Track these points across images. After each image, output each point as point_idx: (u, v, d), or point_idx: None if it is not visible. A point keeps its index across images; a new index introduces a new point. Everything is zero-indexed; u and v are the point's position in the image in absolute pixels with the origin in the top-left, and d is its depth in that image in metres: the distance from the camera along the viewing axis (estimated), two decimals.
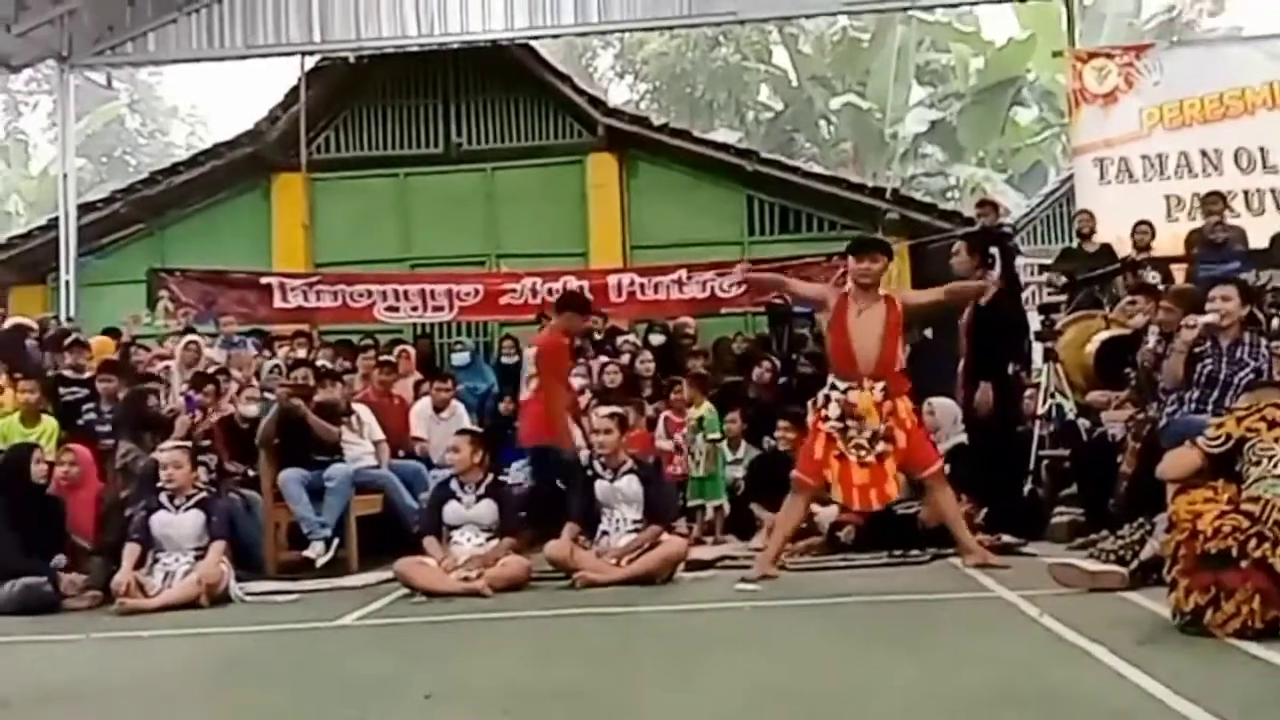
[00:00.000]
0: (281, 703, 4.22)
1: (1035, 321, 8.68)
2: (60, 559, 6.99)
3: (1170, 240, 10.83)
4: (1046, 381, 8.21)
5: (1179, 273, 10.08)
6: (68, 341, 10.08)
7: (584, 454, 7.75)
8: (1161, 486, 5.32)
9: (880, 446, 6.41)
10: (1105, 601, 5.10)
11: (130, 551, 6.80)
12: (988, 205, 11.09)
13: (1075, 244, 11.14)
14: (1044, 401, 8.15)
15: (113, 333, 11.28)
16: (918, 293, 7.64)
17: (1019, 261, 10.35)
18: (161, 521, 6.90)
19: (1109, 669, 3.92)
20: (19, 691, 4.57)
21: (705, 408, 8.93)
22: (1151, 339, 7.35)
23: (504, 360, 11.69)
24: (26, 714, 4.25)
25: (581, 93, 14.15)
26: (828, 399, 6.53)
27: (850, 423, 6.42)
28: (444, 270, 13.16)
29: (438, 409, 9.67)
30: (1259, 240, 10.25)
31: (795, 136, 29.97)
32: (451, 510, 6.98)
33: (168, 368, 9.94)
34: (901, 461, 6.56)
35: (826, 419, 6.47)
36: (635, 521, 6.85)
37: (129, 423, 8.61)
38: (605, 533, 6.89)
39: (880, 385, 6.46)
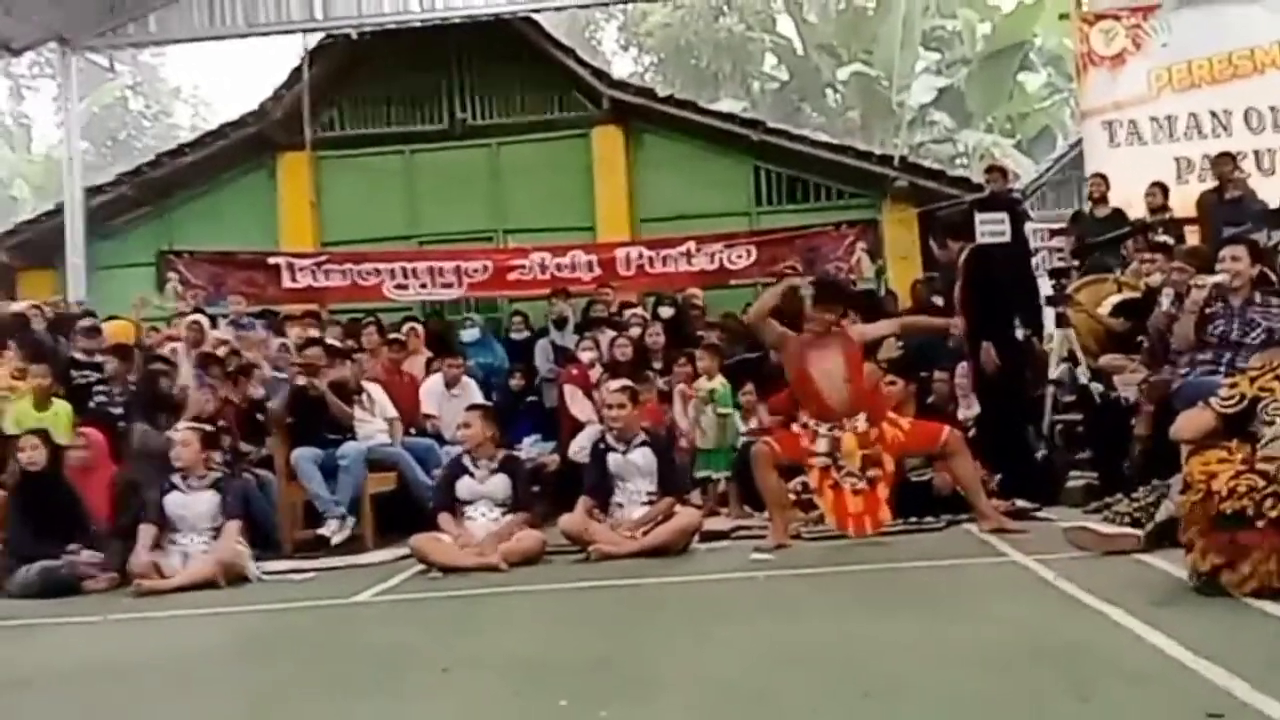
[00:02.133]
0: (300, 679, 4.24)
1: (1046, 286, 8.64)
2: (75, 547, 6.99)
3: (1180, 202, 10.76)
4: (1059, 346, 8.19)
5: (1192, 235, 10.02)
6: (81, 325, 10.08)
7: (596, 428, 7.70)
8: (1175, 448, 5.31)
9: (871, 472, 6.53)
10: (1121, 564, 5.09)
11: (146, 532, 6.83)
12: (996, 170, 11.03)
13: (1087, 208, 11.04)
14: (1056, 366, 8.13)
15: None
16: (871, 326, 7.63)
17: (1028, 226, 10.30)
18: (176, 502, 6.94)
19: (1126, 630, 3.91)
20: (39, 672, 4.61)
21: (719, 380, 8.90)
22: (1165, 301, 7.32)
23: (513, 336, 11.72)
24: (47, 694, 4.27)
25: (586, 66, 14.04)
26: (815, 434, 6.61)
27: (839, 454, 6.55)
28: (452, 247, 13.16)
29: (449, 385, 9.68)
30: (1268, 200, 10.17)
31: (802, 106, 29.81)
32: (465, 486, 6.99)
33: (175, 350, 9.94)
34: (913, 450, 6.86)
35: (816, 454, 6.58)
36: (649, 493, 6.88)
37: (142, 404, 8.64)
38: (619, 505, 6.92)
39: (861, 417, 6.60)
